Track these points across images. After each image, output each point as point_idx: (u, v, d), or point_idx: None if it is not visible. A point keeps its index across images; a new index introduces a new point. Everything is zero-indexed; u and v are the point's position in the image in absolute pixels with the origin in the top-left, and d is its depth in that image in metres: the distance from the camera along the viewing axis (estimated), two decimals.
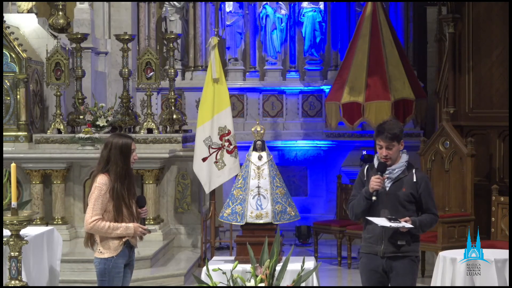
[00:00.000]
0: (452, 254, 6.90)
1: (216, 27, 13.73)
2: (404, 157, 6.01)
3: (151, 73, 11.31)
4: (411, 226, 5.84)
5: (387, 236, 5.92)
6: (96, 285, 6.22)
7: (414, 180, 5.94)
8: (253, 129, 7.30)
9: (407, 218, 5.86)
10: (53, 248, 7.47)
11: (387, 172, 5.97)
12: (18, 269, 6.02)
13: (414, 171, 5.98)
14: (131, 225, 6.11)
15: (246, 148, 7.70)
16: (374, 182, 5.90)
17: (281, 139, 13.77)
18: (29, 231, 6.81)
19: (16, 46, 10.78)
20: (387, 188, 5.97)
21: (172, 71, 11.75)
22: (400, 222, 5.84)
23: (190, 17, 14.18)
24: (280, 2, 13.97)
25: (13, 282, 6.01)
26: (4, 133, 10.60)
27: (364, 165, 6.21)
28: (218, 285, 6.44)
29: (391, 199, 5.94)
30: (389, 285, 6.03)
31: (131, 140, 6.21)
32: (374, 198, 5.92)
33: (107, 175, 6.09)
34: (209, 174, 10.44)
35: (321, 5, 14.01)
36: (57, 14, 12.80)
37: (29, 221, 6.10)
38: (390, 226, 5.85)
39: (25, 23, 11.80)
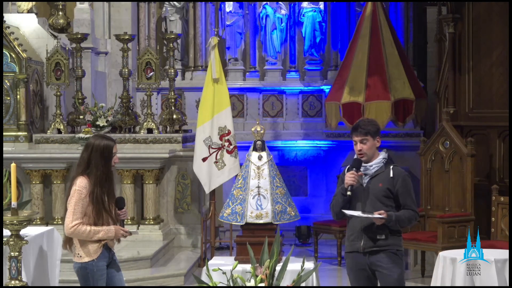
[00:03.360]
0: (452, 254, 6.90)
1: (216, 27, 13.73)
2: (382, 154, 6.07)
3: (151, 73, 11.31)
4: (381, 216, 5.86)
5: (366, 231, 5.98)
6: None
7: (391, 175, 5.98)
8: (253, 129, 7.31)
9: (382, 211, 5.89)
10: (53, 248, 7.46)
11: (364, 168, 6.03)
12: (18, 269, 6.02)
13: (391, 167, 6.02)
14: (112, 227, 6.03)
15: (246, 148, 7.70)
16: (349, 177, 5.97)
17: (281, 139, 13.77)
18: (29, 231, 6.80)
19: (16, 46, 10.78)
20: (364, 184, 6.03)
21: (172, 71, 11.75)
22: (373, 214, 5.89)
23: (190, 17, 14.18)
24: (280, 2, 13.97)
25: (13, 282, 6.01)
26: (4, 133, 10.60)
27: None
28: (218, 285, 6.44)
29: (369, 194, 6.00)
30: (378, 284, 6.05)
31: (113, 143, 6.10)
32: (349, 193, 5.98)
33: (87, 178, 5.99)
34: (209, 174, 10.44)
35: (321, 5, 14.01)
36: (57, 14, 12.80)
37: (29, 221, 6.09)
38: (359, 215, 5.95)
39: (25, 23, 11.80)
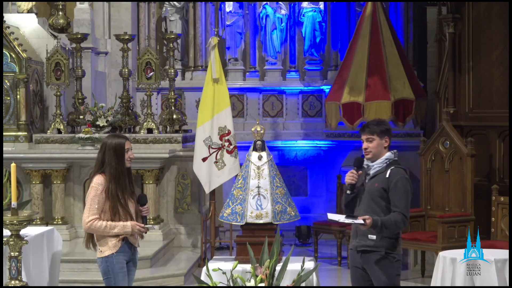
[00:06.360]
0: (452, 254, 6.90)
1: (216, 27, 13.73)
2: (387, 155, 6.05)
3: (151, 73, 11.31)
4: (360, 222, 5.83)
5: (360, 230, 6.01)
6: (97, 285, 6.24)
7: (387, 176, 5.97)
8: (253, 129, 7.31)
9: (366, 216, 5.87)
10: (53, 248, 7.47)
11: (368, 168, 6.05)
12: (18, 269, 6.02)
13: (391, 168, 5.99)
14: (128, 223, 6.18)
15: (246, 148, 7.70)
16: (348, 176, 6.05)
17: (281, 139, 13.77)
18: (29, 231, 6.81)
19: (16, 46, 10.78)
20: (365, 184, 6.06)
21: (172, 71, 11.75)
22: (357, 218, 5.89)
23: (190, 17, 14.18)
24: (280, 2, 13.97)
25: (13, 282, 6.01)
26: (4, 133, 10.60)
27: None
28: (218, 285, 6.44)
29: (367, 194, 6.03)
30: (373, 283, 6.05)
31: (124, 140, 6.28)
32: (348, 192, 6.06)
33: (103, 176, 6.19)
34: (209, 174, 10.44)
35: (321, 5, 14.01)
36: (57, 14, 12.79)
37: (29, 221, 6.11)
38: (339, 220, 6.02)
39: (25, 23, 11.80)
